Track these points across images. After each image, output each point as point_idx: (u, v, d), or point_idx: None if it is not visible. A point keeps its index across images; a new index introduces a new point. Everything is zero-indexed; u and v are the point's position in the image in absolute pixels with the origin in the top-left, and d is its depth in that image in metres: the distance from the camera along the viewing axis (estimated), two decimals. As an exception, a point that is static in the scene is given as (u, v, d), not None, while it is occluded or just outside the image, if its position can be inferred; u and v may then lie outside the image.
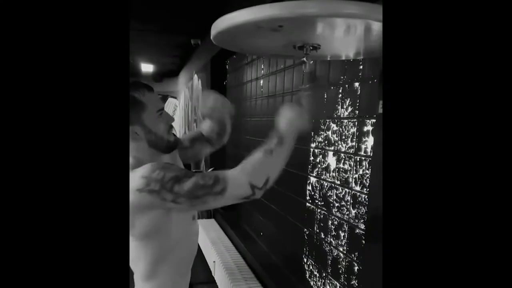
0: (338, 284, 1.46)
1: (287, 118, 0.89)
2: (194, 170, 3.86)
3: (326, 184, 1.54)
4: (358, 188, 1.31)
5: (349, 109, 1.37)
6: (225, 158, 3.39)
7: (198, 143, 1.20)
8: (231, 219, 3.06)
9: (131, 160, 0.91)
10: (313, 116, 1.57)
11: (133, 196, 0.80)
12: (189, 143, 1.18)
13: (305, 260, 1.75)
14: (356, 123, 1.32)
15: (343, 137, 1.40)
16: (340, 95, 1.43)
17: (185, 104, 5.65)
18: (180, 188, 0.81)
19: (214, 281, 2.43)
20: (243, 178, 0.82)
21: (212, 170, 3.30)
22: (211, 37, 0.85)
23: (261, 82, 2.38)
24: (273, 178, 0.85)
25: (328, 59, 1.20)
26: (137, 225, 0.86)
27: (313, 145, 1.65)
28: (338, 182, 1.44)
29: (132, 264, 0.97)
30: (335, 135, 1.46)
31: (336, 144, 1.45)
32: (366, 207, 1.27)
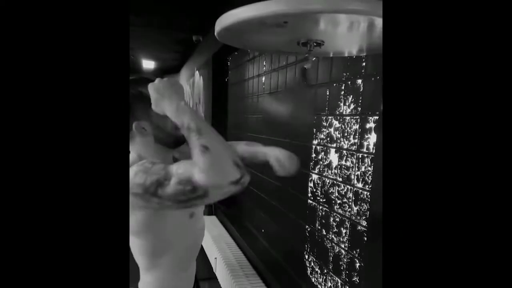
0: (339, 281, 1.47)
1: (162, 104, 0.81)
2: None
3: (328, 181, 1.54)
4: (360, 185, 1.31)
5: (352, 106, 1.37)
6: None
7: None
8: (232, 215, 3.07)
9: (133, 156, 0.91)
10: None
11: None
12: None
13: (306, 256, 1.76)
14: (359, 120, 1.32)
15: (346, 134, 1.40)
16: (342, 92, 1.43)
17: (188, 99, 5.64)
18: (163, 192, 0.76)
19: (216, 277, 2.44)
20: (217, 181, 0.74)
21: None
22: (215, 33, 0.85)
23: (263, 79, 2.38)
24: (236, 157, 0.77)
25: (331, 55, 1.19)
26: (130, 222, 0.86)
27: (315, 142, 1.65)
28: (340, 179, 1.44)
29: (134, 257, 0.98)
30: (337, 132, 1.46)
31: (338, 141, 1.45)
32: (368, 204, 1.27)
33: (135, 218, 0.85)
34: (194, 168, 0.75)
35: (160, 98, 0.82)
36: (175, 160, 1.02)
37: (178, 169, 0.77)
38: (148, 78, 0.92)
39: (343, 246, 1.44)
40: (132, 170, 0.81)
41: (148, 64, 5.74)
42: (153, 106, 0.85)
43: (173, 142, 0.95)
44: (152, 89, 0.85)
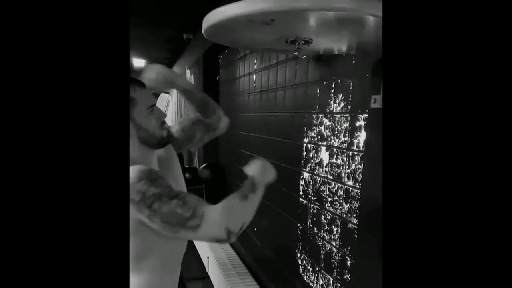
0: (331, 279, 1.47)
1: (259, 169, 0.93)
2: (187, 166, 3.84)
3: (319, 179, 1.54)
4: (350, 183, 1.31)
5: (342, 104, 1.37)
6: (218, 153, 3.39)
7: (190, 128, 1.17)
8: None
9: None
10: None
11: None
12: (180, 131, 1.16)
13: (298, 254, 1.76)
14: (349, 118, 1.32)
15: (336, 132, 1.40)
16: (332, 90, 1.42)
17: (177, 99, 5.62)
18: (159, 207, 0.78)
19: (208, 276, 2.44)
20: (221, 221, 0.80)
21: (204, 166, 3.28)
22: (203, 31, 0.84)
23: (254, 77, 2.37)
24: (247, 224, 0.85)
25: (321, 53, 1.19)
26: None
27: (306, 140, 1.65)
28: (331, 177, 1.44)
29: None
30: (327, 130, 1.46)
31: (329, 139, 1.45)
32: (358, 202, 1.27)
33: None
34: (208, 205, 0.81)
35: (263, 176, 0.93)
36: (159, 160, 1.01)
37: (192, 197, 0.82)
38: (133, 78, 0.91)
39: (334, 244, 1.44)
40: (134, 175, 0.80)
41: (138, 63, 5.70)
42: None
43: (157, 143, 0.94)
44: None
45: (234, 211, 0.82)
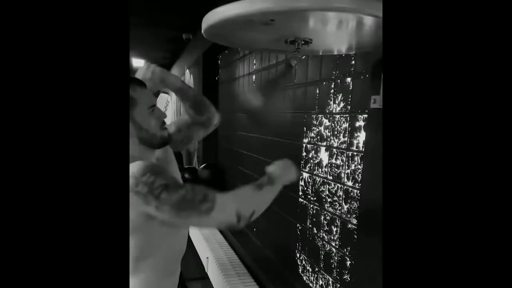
0: (330, 279, 1.47)
1: (280, 167, 0.95)
2: (186, 166, 3.84)
3: (318, 180, 1.54)
4: (350, 183, 1.31)
5: (341, 104, 1.37)
6: (217, 153, 3.39)
7: (186, 128, 1.19)
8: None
9: None
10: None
11: None
12: (177, 131, 1.17)
13: (298, 255, 1.76)
14: (348, 118, 1.32)
15: (335, 133, 1.40)
16: (332, 90, 1.42)
17: (176, 99, 5.62)
18: (167, 197, 0.79)
19: (207, 277, 2.43)
20: (231, 205, 0.82)
21: (204, 167, 3.29)
22: (202, 31, 0.84)
23: (253, 77, 2.37)
24: (258, 213, 0.87)
25: (320, 54, 1.19)
26: None
27: (305, 140, 1.65)
28: (331, 178, 1.44)
29: None
30: (327, 131, 1.46)
31: (329, 139, 1.45)
32: (358, 202, 1.27)
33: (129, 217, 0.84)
34: (218, 192, 0.83)
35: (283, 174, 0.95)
36: (158, 161, 1.01)
37: (200, 185, 0.83)
38: (134, 78, 0.91)
39: (334, 244, 1.44)
40: (138, 169, 0.81)
41: (138, 63, 5.70)
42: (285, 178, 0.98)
43: (158, 143, 0.94)
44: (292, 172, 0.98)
45: (246, 197, 0.85)
